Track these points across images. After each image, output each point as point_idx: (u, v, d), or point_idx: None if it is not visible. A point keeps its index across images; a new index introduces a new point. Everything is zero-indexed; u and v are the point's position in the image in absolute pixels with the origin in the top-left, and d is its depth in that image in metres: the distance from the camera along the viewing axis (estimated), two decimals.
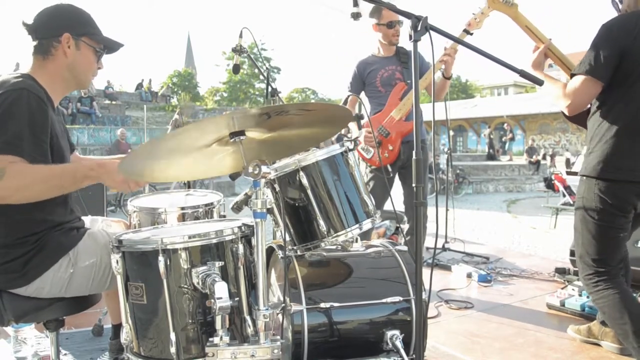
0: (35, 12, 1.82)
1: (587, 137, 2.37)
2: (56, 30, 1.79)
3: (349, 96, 3.49)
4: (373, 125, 3.30)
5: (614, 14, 2.33)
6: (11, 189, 1.57)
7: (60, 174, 1.67)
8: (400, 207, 3.54)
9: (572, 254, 3.94)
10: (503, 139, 22.80)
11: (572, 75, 2.28)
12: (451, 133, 16.70)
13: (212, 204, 2.29)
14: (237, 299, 1.67)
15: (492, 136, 22.80)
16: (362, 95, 3.59)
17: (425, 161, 3.53)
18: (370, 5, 3.42)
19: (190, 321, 1.64)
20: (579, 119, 2.44)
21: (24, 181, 1.58)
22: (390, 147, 3.31)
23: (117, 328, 2.34)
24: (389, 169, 3.31)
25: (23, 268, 1.70)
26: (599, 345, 2.69)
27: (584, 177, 2.34)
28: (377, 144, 3.28)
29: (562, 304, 3.26)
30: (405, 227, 3.47)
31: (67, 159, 1.88)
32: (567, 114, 2.33)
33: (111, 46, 1.94)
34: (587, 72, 2.20)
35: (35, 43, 1.81)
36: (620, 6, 2.33)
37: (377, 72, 3.51)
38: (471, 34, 3.16)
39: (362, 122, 3.11)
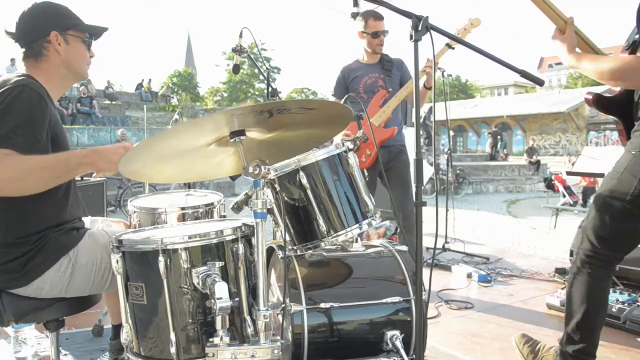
0: (17, 15, 1.82)
1: None
2: (43, 30, 1.80)
3: (348, 96, 3.50)
4: (352, 130, 3.31)
5: None
6: (4, 180, 1.57)
7: (54, 163, 1.66)
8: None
9: (572, 254, 3.93)
10: (499, 137, 22.71)
11: (634, 44, 1.90)
12: (451, 133, 16.70)
13: (212, 204, 2.29)
14: (237, 299, 1.67)
15: (499, 137, 22.73)
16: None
17: (407, 167, 3.55)
18: (370, 6, 3.43)
19: (190, 321, 1.64)
20: (609, 107, 2.21)
21: (16, 172, 1.57)
22: (368, 152, 3.33)
23: (117, 328, 2.34)
24: (365, 173, 3.33)
25: (23, 268, 1.70)
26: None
27: (634, 153, 1.99)
28: (356, 148, 3.30)
29: (562, 304, 3.25)
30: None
31: None
32: None
33: (96, 32, 1.94)
34: None
35: (24, 49, 1.82)
36: None
37: (360, 79, 3.56)
38: (453, 48, 3.21)
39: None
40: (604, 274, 2.11)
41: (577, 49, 2.08)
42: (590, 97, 2.26)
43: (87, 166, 1.70)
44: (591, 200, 2.35)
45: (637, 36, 1.88)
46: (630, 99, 2.10)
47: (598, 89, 2.54)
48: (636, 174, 1.95)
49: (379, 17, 3.44)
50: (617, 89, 2.17)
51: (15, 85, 1.66)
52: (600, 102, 2.23)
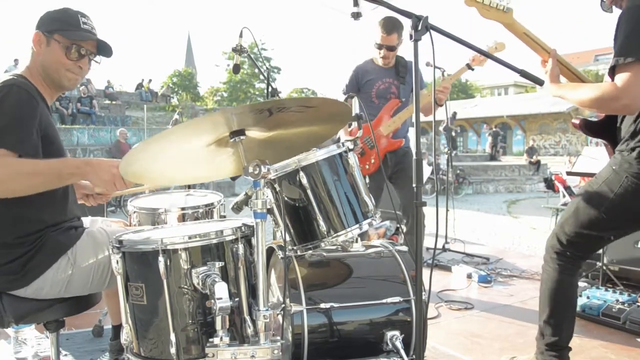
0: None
1: (628, 132, 2.09)
2: (34, 30, 1.82)
3: (348, 96, 3.50)
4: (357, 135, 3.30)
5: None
6: None
7: (46, 170, 1.65)
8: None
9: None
10: (499, 137, 22.77)
11: (612, 69, 1.93)
12: (451, 133, 16.67)
13: (212, 204, 2.29)
14: (237, 299, 1.67)
15: (499, 136, 22.76)
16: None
17: (410, 169, 3.56)
18: (371, 6, 3.42)
19: (190, 322, 1.64)
20: (595, 130, 2.31)
21: (6, 174, 1.57)
22: (373, 160, 3.33)
23: (117, 329, 2.34)
24: (367, 179, 3.32)
25: (23, 268, 1.70)
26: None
27: (614, 168, 2.09)
28: (361, 154, 3.30)
29: None
30: (403, 228, 3.52)
31: (65, 155, 1.89)
32: (627, 113, 2.08)
33: (99, 46, 1.90)
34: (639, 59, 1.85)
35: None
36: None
37: (374, 83, 3.51)
38: (472, 69, 3.22)
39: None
40: (570, 269, 2.24)
41: (562, 78, 2.20)
42: (577, 122, 2.38)
43: (78, 177, 1.71)
44: None
45: (613, 62, 1.93)
46: (615, 122, 2.20)
47: None
48: (613, 188, 2.07)
49: (388, 31, 3.35)
50: (602, 114, 2.27)
51: (3, 86, 1.67)
52: (587, 126, 2.34)
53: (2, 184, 1.58)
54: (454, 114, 20.78)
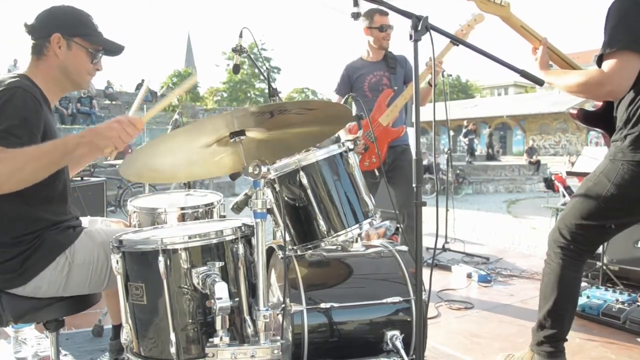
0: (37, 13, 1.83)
1: (621, 121, 2.12)
2: (47, 30, 1.79)
3: (349, 96, 3.50)
4: (356, 132, 3.31)
5: None
6: (4, 175, 1.55)
7: (52, 149, 1.64)
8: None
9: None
10: (492, 136, 22.99)
11: (600, 58, 2.02)
12: (451, 133, 16.71)
13: (212, 204, 2.29)
14: (237, 299, 1.67)
15: (492, 137, 22.88)
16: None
17: (407, 167, 3.57)
18: (371, 6, 3.44)
19: (190, 321, 1.64)
20: (593, 120, 2.35)
21: (15, 164, 1.56)
22: (378, 153, 3.33)
23: (117, 328, 2.34)
24: (376, 173, 3.32)
25: (20, 267, 1.70)
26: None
27: (610, 159, 2.13)
28: (364, 149, 3.30)
29: None
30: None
31: None
32: (611, 99, 2.16)
33: (110, 49, 1.92)
34: (625, 48, 1.95)
35: (32, 43, 1.82)
36: None
37: (365, 77, 3.54)
38: (457, 45, 3.20)
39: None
40: (574, 264, 2.25)
41: (554, 65, 2.29)
42: (575, 111, 2.41)
43: (85, 145, 1.67)
44: None
45: (601, 51, 2.01)
46: (612, 112, 2.21)
47: None
48: (610, 177, 2.10)
49: (384, 13, 3.44)
50: (600, 103, 2.32)
51: (9, 87, 1.66)
52: (584, 116, 2.38)
53: (15, 174, 1.56)
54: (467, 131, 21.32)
